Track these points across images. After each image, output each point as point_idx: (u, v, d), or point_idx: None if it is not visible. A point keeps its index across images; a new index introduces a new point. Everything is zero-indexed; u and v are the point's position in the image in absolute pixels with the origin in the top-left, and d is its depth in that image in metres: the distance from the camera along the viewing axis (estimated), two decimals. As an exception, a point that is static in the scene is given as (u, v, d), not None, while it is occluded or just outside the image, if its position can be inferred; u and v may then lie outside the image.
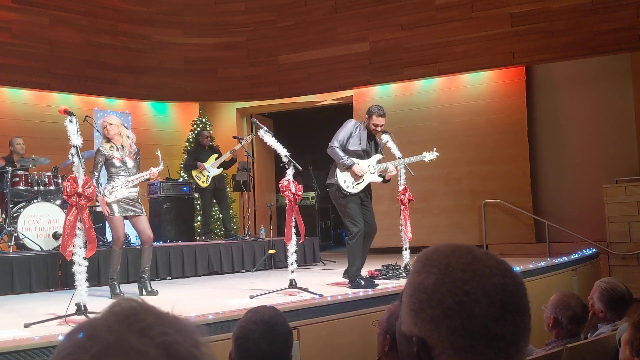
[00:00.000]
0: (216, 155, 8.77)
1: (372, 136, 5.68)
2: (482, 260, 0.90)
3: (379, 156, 5.72)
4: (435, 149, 6.01)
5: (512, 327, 0.86)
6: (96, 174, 5.30)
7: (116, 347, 0.62)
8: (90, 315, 3.87)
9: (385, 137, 5.88)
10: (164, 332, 0.65)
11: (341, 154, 5.47)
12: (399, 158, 5.79)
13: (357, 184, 5.51)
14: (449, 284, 0.87)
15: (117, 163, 5.36)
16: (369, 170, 5.58)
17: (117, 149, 5.40)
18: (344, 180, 5.49)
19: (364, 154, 5.61)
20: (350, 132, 5.58)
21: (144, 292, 5.47)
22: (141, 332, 0.64)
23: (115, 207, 5.30)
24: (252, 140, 10.10)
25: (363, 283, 5.35)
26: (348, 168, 5.46)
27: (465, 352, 0.85)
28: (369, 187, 5.69)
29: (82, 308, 3.94)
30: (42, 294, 5.92)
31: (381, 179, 5.67)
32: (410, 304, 0.91)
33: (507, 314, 0.86)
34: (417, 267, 0.94)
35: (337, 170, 5.53)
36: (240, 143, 8.33)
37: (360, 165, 5.49)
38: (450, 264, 0.90)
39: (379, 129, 5.63)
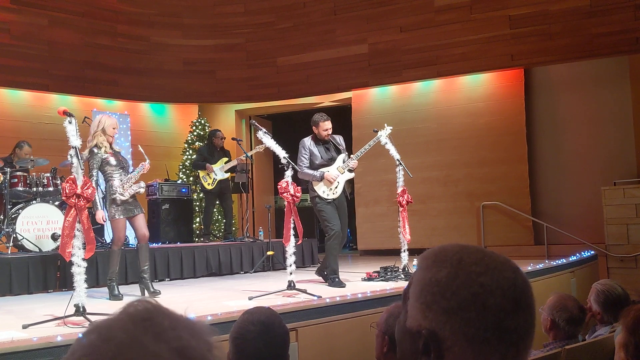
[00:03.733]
0: (226, 159, 8.71)
1: (327, 142, 6.01)
2: (492, 256, 0.92)
3: (343, 156, 6.01)
4: (385, 124, 6.27)
5: (523, 321, 0.88)
6: (95, 177, 5.26)
7: (131, 349, 0.63)
8: (89, 317, 3.89)
9: (383, 140, 5.97)
10: (179, 336, 0.66)
11: (310, 172, 5.86)
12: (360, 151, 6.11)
13: (335, 187, 5.87)
14: (463, 276, 0.88)
15: (113, 161, 5.35)
16: (339, 173, 5.91)
17: (110, 147, 5.39)
18: (323, 190, 5.86)
19: (330, 161, 5.95)
20: (307, 149, 5.94)
21: (147, 293, 5.43)
22: (156, 336, 0.65)
23: (119, 208, 5.30)
24: (252, 143, 10.14)
25: (337, 281, 5.71)
26: (322, 179, 5.84)
27: (478, 344, 0.85)
28: (345, 193, 6.01)
29: (81, 309, 3.94)
30: (41, 295, 5.91)
31: (353, 174, 6.03)
32: (421, 297, 0.91)
33: (518, 308, 0.88)
34: (425, 264, 0.94)
35: (313, 185, 5.89)
36: (241, 147, 8.33)
37: (330, 172, 5.86)
38: (462, 258, 0.91)
39: (329, 131, 5.94)
